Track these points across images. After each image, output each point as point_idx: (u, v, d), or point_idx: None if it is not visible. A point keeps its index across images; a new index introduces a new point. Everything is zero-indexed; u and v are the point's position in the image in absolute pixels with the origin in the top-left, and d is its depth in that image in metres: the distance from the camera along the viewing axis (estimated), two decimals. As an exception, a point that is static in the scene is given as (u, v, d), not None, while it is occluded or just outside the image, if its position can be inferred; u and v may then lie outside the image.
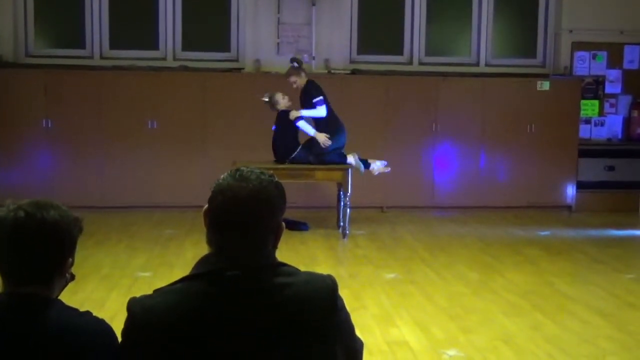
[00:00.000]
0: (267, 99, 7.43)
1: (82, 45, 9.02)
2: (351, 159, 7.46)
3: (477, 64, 9.50)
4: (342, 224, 7.47)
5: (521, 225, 8.24)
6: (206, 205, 1.79)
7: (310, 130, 7.36)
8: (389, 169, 7.79)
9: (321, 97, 7.30)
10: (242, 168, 1.80)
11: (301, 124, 7.33)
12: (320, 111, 7.30)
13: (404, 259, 6.51)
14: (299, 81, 7.40)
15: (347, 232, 7.39)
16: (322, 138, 7.33)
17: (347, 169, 7.36)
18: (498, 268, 6.21)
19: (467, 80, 9.04)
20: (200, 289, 1.69)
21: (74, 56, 8.95)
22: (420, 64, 9.41)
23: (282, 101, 7.43)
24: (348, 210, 7.36)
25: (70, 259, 1.86)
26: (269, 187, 1.77)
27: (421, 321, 4.73)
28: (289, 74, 7.45)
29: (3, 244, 1.78)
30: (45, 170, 8.46)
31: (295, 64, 7.45)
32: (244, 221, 1.74)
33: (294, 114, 7.33)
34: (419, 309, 5.02)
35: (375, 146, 8.44)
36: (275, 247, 1.82)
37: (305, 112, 7.35)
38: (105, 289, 5.33)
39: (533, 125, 9.02)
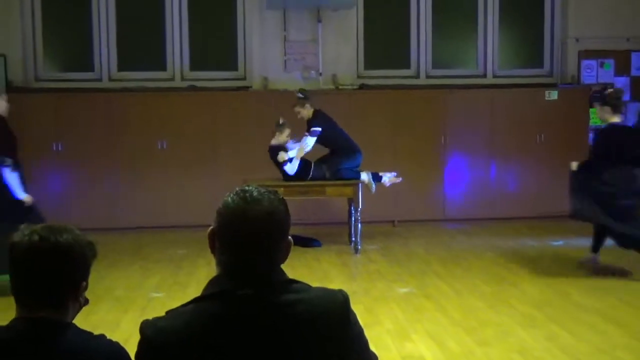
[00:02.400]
0: (280, 122, 7.43)
1: (90, 68, 9.11)
2: (364, 176, 7.48)
3: (484, 76, 9.51)
4: (354, 239, 7.46)
5: (533, 235, 8.19)
6: (211, 227, 1.78)
7: (294, 168, 7.30)
8: (400, 178, 7.78)
9: (319, 129, 7.28)
10: (245, 187, 1.79)
11: (288, 167, 7.31)
12: (308, 142, 7.28)
13: (418, 273, 6.48)
14: (303, 112, 7.42)
15: (359, 247, 7.38)
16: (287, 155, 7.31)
17: (358, 184, 7.36)
18: (512, 280, 6.18)
19: (474, 92, 9.04)
20: (213, 309, 1.68)
21: (82, 79, 9.04)
22: (428, 77, 9.43)
23: (279, 137, 7.40)
24: (359, 225, 7.35)
25: (84, 283, 1.86)
26: (275, 204, 1.76)
27: (436, 335, 4.70)
28: (294, 104, 7.47)
29: (18, 268, 1.79)
30: (57, 194, 8.49)
31: (301, 95, 7.45)
32: (254, 241, 1.73)
33: (282, 157, 7.29)
34: (434, 323, 4.99)
35: (384, 160, 8.43)
36: (283, 262, 1.81)
37: (292, 153, 7.32)
38: (119, 310, 5.34)
39: (542, 135, 9.00)
